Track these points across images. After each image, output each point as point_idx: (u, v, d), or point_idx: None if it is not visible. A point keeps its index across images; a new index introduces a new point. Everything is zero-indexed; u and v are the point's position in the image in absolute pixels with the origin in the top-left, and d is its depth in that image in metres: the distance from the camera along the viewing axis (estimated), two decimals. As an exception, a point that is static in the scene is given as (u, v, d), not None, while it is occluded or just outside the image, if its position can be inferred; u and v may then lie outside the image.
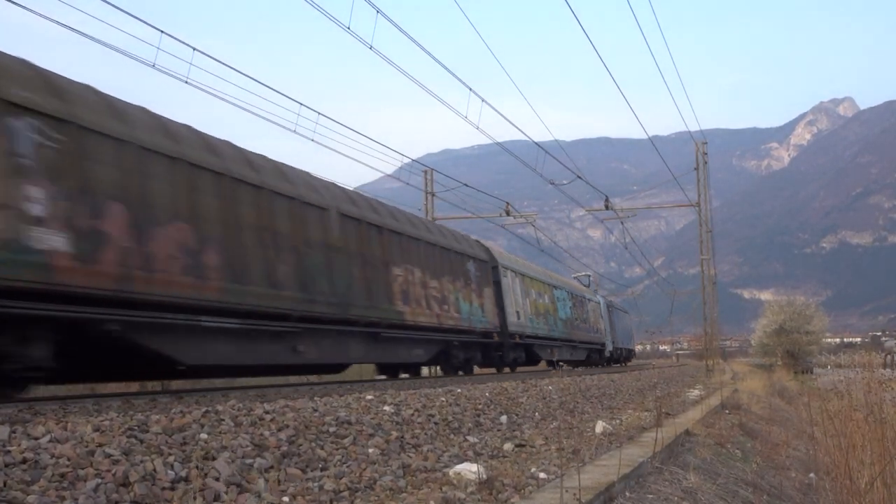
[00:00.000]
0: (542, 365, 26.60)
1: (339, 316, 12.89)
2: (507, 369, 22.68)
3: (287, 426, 5.40)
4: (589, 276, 43.30)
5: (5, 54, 8.05)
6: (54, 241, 7.78)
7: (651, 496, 5.23)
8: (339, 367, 15.27)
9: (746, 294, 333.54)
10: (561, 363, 26.53)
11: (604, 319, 37.68)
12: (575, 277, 39.75)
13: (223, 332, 10.25)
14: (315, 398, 7.44)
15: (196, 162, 10.04)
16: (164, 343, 9.37)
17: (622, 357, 43.81)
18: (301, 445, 5.11)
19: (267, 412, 5.73)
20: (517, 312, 22.50)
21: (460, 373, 18.78)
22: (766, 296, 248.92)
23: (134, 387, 14.11)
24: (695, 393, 17.90)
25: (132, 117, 9.36)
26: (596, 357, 35.22)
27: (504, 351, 21.29)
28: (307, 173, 13.71)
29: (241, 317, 10.45)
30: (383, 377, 18.40)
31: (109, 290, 8.37)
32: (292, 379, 14.87)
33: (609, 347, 38.20)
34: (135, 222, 8.87)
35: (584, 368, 28.32)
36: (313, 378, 16.31)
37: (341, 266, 13.26)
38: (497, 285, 21.32)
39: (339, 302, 12.93)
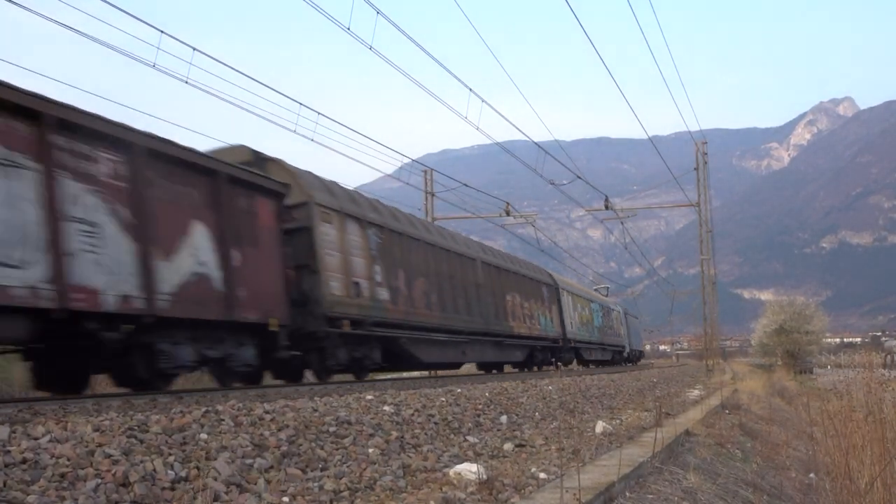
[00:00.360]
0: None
1: (483, 330, 20.14)
2: (556, 367, 27.98)
3: (287, 426, 5.39)
4: (608, 287, 49.42)
5: (343, 188, 15.47)
6: (384, 294, 15.03)
7: (651, 496, 5.23)
8: (458, 365, 22.33)
9: (746, 294, 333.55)
10: (590, 363, 32.92)
11: (623, 325, 42.39)
12: (595, 289, 43.50)
13: (439, 342, 17.58)
14: (315, 398, 7.44)
15: (425, 239, 17.55)
16: (419, 349, 16.68)
17: (635, 357, 48.07)
18: (301, 445, 5.11)
19: (267, 412, 5.73)
20: (571, 323, 29.09)
21: (535, 368, 25.19)
22: (766, 296, 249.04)
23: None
24: (695, 393, 17.91)
25: (399, 216, 17.10)
26: (618, 357, 40.09)
27: (564, 353, 27.64)
28: (461, 234, 22.25)
29: (446, 332, 17.79)
30: (481, 372, 23.71)
31: (401, 320, 15.56)
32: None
33: (626, 349, 42.83)
34: (407, 279, 16.13)
35: (591, 368, 31.71)
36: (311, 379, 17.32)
37: (483, 297, 20.60)
38: (558, 303, 27.86)
39: (483, 321, 20.24)
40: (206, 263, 10.23)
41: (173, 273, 9.59)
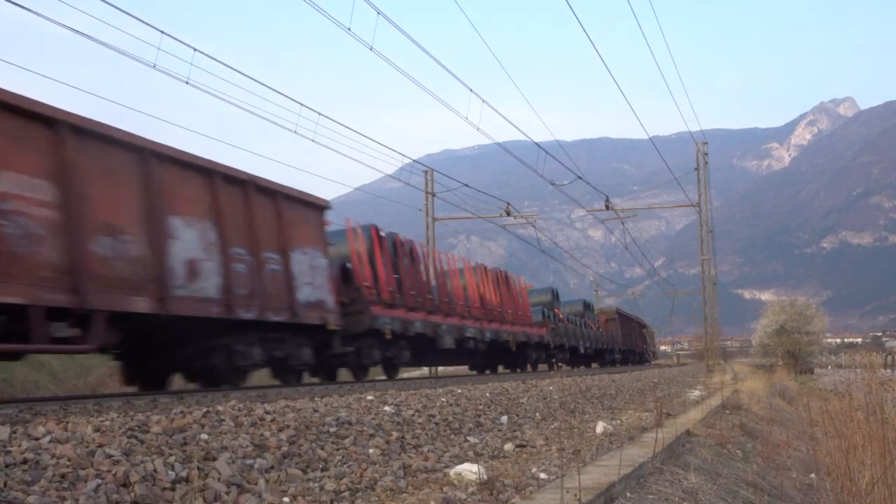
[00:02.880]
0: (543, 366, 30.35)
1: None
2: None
3: (287, 426, 5.39)
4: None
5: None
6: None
7: (652, 496, 5.23)
8: None
9: (747, 294, 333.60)
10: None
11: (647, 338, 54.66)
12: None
13: None
14: (315, 398, 7.44)
15: None
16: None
17: (651, 358, 57.73)
18: (301, 446, 5.11)
19: (267, 412, 5.73)
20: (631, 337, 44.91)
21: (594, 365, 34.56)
22: (766, 296, 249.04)
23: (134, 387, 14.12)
24: (695, 393, 17.90)
25: None
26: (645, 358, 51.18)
27: (620, 355, 41.18)
28: None
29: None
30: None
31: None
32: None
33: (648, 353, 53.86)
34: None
35: (597, 367, 34.46)
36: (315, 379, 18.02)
37: None
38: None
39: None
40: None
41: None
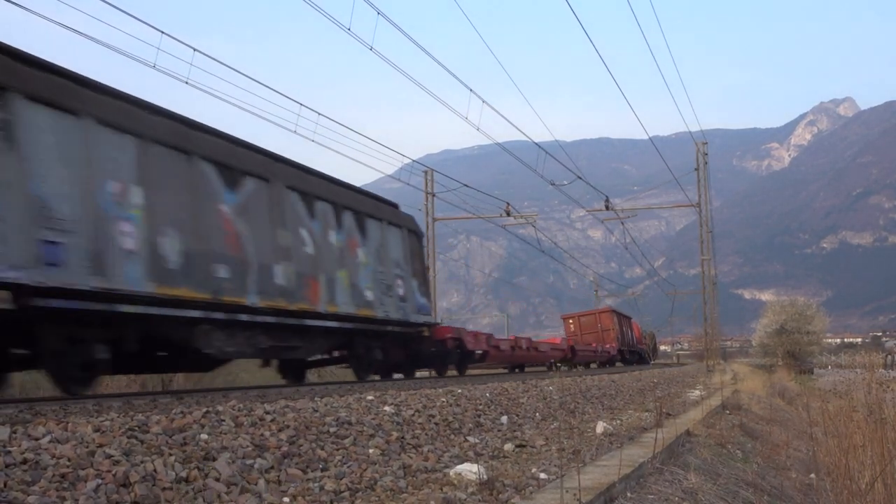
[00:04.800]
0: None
1: None
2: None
3: (287, 426, 5.40)
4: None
5: None
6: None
7: (652, 496, 5.23)
8: None
9: (747, 294, 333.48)
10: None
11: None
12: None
13: None
14: (315, 398, 7.44)
15: None
16: None
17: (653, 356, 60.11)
18: (301, 446, 5.11)
19: (267, 412, 5.74)
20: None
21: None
22: (766, 296, 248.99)
23: (134, 387, 14.15)
24: (695, 393, 17.90)
25: None
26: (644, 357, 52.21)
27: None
28: None
29: None
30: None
31: None
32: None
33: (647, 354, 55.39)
34: None
35: (596, 368, 34.34)
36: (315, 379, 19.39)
37: None
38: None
39: None
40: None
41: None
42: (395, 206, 17.68)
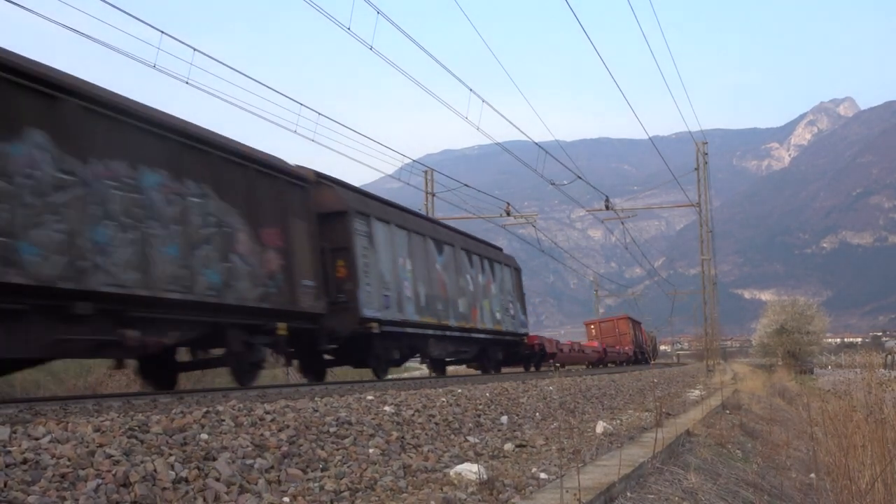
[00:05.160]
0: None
1: None
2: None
3: (287, 426, 5.39)
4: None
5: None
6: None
7: (652, 496, 5.23)
8: None
9: (747, 294, 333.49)
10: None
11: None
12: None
13: None
14: (316, 398, 7.44)
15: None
16: None
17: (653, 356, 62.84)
18: (301, 446, 5.11)
19: (267, 412, 5.73)
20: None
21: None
22: (766, 296, 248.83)
23: (134, 387, 14.15)
24: (695, 393, 17.90)
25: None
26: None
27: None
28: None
29: None
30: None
31: None
32: (293, 380, 17.73)
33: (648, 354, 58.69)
34: None
35: (593, 368, 35.71)
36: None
37: None
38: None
39: None
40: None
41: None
42: (500, 249, 24.86)
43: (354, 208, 14.37)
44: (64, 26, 11.55)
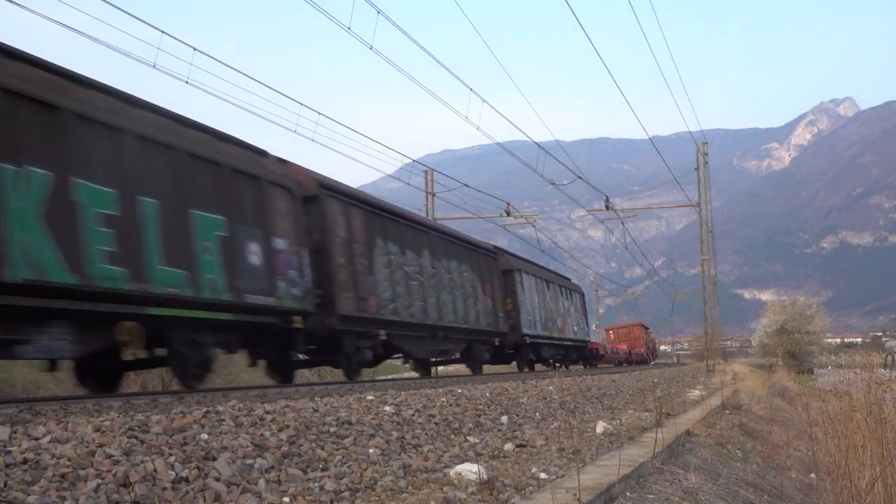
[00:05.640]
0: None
1: None
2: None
3: (288, 426, 5.40)
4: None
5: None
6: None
7: (652, 496, 5.23)
8: None
9: (747, 294, 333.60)
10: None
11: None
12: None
13: None
14: (316, 398, 7.44)
15: None
16: None
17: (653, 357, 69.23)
18: (301, 446, 5.11)
19: (267, 412, 5.74)
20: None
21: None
22: (766, 296, 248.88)
23: (134, 387, 14.16)
24: (695, 393, 17.91)
25: None
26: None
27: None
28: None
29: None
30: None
31: None
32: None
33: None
34: None
35: (590, 368, 37.30)
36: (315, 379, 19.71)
37: None
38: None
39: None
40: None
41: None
42: (568, 279, 33.80)
43: (517, 268, 23.53)
44: (64, 26, 11.56)
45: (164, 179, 9.17)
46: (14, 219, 7.17)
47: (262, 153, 11.77)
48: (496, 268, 22.20)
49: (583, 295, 34.10)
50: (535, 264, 27.63)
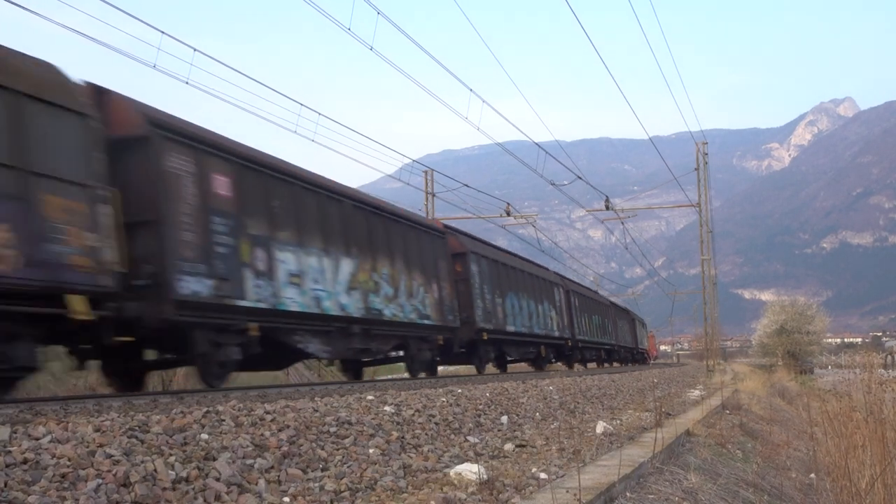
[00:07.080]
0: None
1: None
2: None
3: (288, 426, 5.40)
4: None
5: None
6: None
7: (651, 496, 5.23)
8: None
9: (747, 294, 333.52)
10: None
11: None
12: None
13: None
14: (316, 398, 7.44)
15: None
16: None
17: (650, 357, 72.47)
18: (302, 446, 5.11)
19: (268, 412, 5.74)
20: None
21: None
22: (766, 296, 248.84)
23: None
24: (695, 393, 17.91)
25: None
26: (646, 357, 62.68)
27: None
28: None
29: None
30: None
31: None
32: (293, 380, 17.29)
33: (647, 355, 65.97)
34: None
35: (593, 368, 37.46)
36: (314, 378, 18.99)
37: None
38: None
39: None
40: None
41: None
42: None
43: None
44: (64, 26, 11.56)
45: None
46: None
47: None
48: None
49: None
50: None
